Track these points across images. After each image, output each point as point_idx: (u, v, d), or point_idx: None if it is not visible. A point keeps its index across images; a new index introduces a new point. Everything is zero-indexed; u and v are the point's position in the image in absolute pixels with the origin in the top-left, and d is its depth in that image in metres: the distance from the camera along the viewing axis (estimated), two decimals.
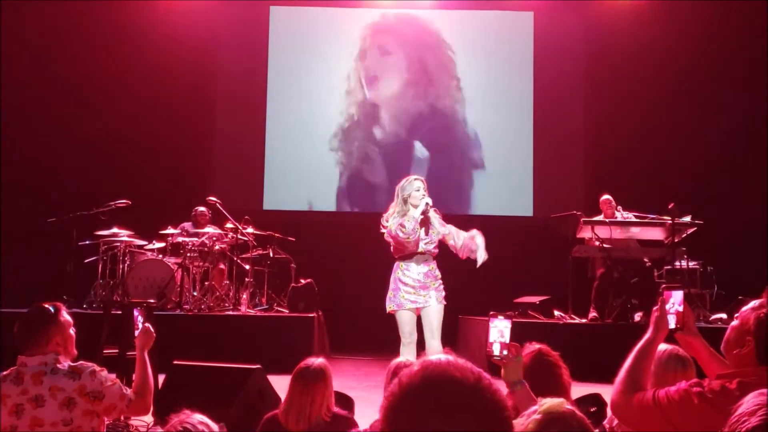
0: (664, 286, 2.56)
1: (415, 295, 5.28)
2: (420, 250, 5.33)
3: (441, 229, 5.41)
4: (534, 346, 2.94)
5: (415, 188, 5.37)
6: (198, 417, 1.97)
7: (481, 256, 5.28)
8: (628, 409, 2.32)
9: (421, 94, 11.34)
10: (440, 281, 5.38)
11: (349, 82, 11.27)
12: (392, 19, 11.38)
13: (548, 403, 1.72)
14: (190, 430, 1.91)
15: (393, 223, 5.33)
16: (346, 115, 11.24)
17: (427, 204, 5.29)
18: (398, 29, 11.38)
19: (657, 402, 2.23)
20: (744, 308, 2.30)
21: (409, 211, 5.34)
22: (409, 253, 5.33)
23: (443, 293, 5.36)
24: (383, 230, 5.44)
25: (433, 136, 11.25)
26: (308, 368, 3.20)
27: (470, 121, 11.26)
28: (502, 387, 1.20)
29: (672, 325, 2.46)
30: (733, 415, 1.47)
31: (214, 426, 2.00)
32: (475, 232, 5.39)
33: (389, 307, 5.37)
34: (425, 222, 5.33)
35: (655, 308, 2.48)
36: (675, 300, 2.49)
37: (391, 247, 5.46)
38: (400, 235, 5.25)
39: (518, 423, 1.68)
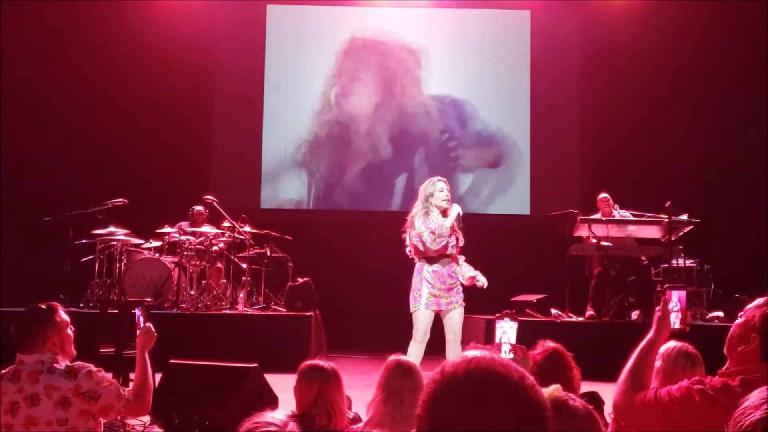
0: (667, 285, 2.56)
1: (441, 298, 5.39)
2: (447, 252, 5.45)
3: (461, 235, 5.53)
4: (549, 344, 2.95)
5: (438, 189, 5.47)
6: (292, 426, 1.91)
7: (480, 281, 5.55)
8: (631, 409, 2.33)
9: (418, 93, 11.33)
10: (460, 282, 5.50)
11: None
12: (384, 18, 11.38)
13: (546, 391, 1.72)
14: None
15: (422, 227, 5.36)
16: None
17: (458, 213, 5.42)
18: (393, 31, 11.39)
19: (659, 400, 2.24)
20: (749, 306, 2.31)
21: (432, 213, 5.41)
22: (434, 255, 5.42)
23: (463, 295, 5.50)
24: (410, 232, 5.47)
25: (430, 134, 11.25)
26: (333, 369, 3.14)
27: (467, 120, 11.25)
28: None
29: (676, 325, 2.47)
30: (738, 409, 1.48)
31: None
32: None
33: (414, 306, 5.45)
34: (456, 227, 5.47)
35: (657, 308, 2.48)
36: (678, 300, 2.49)
37: (409, 249, 5.51)
38: (428, 242, 5.33)
39: None
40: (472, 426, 1.11)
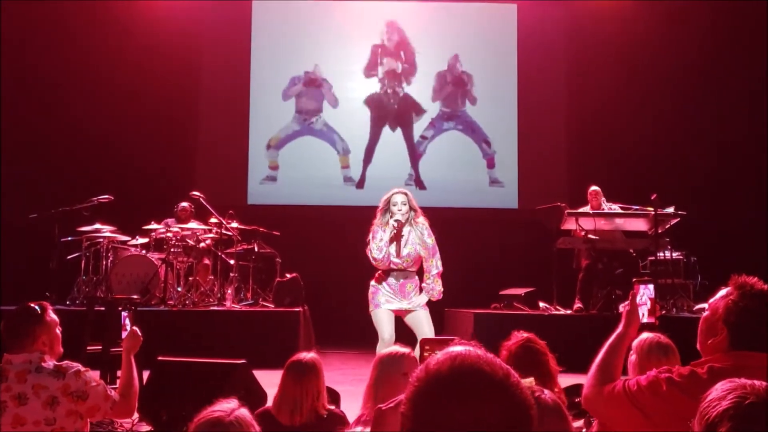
0: (635, 280, 2.58)
1: (394, 297, 5.32)
2: (394, 267, 5.36)
3: (421, 251, 5.34)
4: (522, 334, 2.97)
5: (399, 201, 5.36)
6: (247, 415, 1.92)
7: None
8: (599, 401, 2.34)
9: (405, 87, 11.33)
10: (419, 291, 5.38)
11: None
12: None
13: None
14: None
15: (371, 240, 5.35)
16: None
17: (395, 223, 5.29)
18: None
19: (627, 391, 2.25)
20: (713, 299, 2.31)
21: (390, 227, 5.34)
22: (386, 269, 5.36)
23: (425, 298, 5.35)
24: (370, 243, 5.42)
25: (418, 130, 11.25)
26: (301, 361, 3.20)
27: (454, 113, 11.26)
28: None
29: (645, 319, 2.49)
30: (703, 402, 1.50)
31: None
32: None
33: (370, 308, 5.41)
34: (394, 239, 5.32)
35: (625, 303, 2.51)
36: (646, 294, 2.51)
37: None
38: (369, 256, 5.33)
39: None
40: (456, 425, 1.09)
